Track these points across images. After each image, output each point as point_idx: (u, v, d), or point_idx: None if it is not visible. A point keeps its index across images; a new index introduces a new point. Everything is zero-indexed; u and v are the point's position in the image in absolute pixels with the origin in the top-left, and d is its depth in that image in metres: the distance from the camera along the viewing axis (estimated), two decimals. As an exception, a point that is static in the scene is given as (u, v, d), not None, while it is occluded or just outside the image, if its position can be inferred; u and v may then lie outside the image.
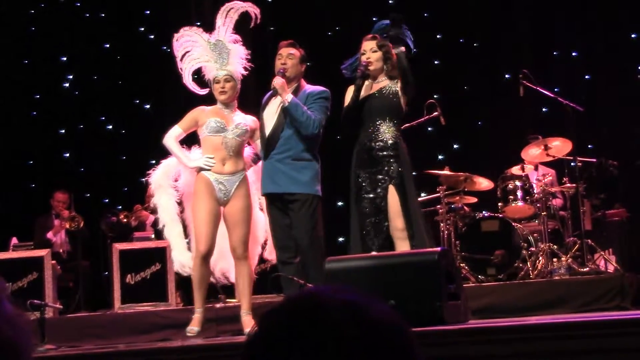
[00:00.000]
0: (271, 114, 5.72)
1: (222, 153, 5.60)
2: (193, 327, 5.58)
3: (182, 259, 5.93)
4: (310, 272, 5.50)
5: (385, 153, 5.49)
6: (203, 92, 5.85)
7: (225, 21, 5.78)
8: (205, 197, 5.57)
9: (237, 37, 5.80)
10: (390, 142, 5.50)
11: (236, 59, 5.72)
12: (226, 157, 5.60)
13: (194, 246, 5.70)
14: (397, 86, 5.58)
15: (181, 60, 5.83)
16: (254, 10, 5.88)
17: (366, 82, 5.64)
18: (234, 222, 5.57)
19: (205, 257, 5.58)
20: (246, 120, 5.71)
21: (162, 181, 5.89)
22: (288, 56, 5.74)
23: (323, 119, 5.65)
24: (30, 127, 10.48)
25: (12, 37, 10.51)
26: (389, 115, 5.54)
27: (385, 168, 5.48)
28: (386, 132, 5.52)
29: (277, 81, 5.63)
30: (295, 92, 5.69)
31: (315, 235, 5.62)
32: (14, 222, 9.52)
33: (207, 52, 5.72)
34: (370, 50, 5.61)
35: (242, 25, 10.14)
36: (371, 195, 5.50)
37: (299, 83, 5.78)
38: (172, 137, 5.68)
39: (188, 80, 5.84)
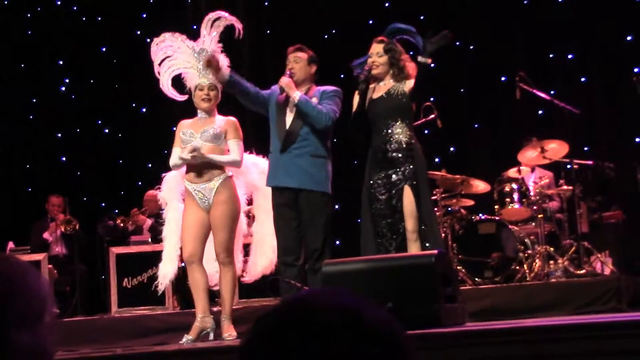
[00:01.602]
0: (290, 109, 5.74)
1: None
2: (188, 337, 5.53)
3: (165, 269, 5.93)
4: (317, 276, 5.48)
5: (400, 154, 5.49)
6: (181, 98, 5.83)
7: (210, 30, 5.75)
8: (191, 206, 5.62)
9: (220, 46, 5.75)
10: (404, 142, 5.51)
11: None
12: (200, 164, 5.57)
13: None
14: (404, 86, 5.58)
15: (160, 64, 5.81)
16: (238, 25, 5.84)
17: (373, 85, 5.65)
18: (214, 228, 5.57)
19: (192, 263, 5.58)
20: (220, 123, 5.64)
21: (169, 196, 5.93)
22: (294, 60, 5.79)
23: (335, 111, 5.69)
24: (27, 130, 10.47)
25: (9, 41, 10.50)
26: (400, 115, 5.55)
27: (401, 169, 5.48)
28: (399, 132, 5.53)
29: (283, 80, 5.69)
30: (308, 92, 5.74)
31: (329, 239, 5.66)
32: (10, 227, 9.51)
33: (190, 60, 5.70)
34: (376, 54, 5.62)
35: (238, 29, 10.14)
36: (386, 197, 5.50)
37: (311, 84, 5.82)
38: (175, 157, 5.64)
39: (167, 85, 5.81)
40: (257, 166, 5.91)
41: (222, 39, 5.80)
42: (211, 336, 5.60)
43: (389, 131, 5.53)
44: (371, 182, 5.56)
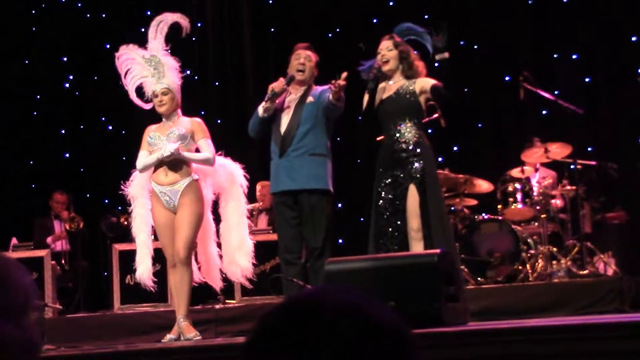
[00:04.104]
0: (285, 112, 5.76)
1: (163, 164, 5.63)
2: (171, 336, 5.59)
3: (139, 272, 5.93)
4: (318, 275, 5.47)
5: (407, 154, 5.48)
6: (148, 106, 5.91)
7: (156, 35, 5.86)
8: (157, 207, 5.67)
9: (168, 48, 5.85)
10: (412, 142, 5.48)
11: (171, 71, 5.77)
12: (167, 167, 5.62)
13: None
14: (414, 85, 5.56)
15: (125, 77, 5.91)
16: (184, 20, 5.93)
17: (382, 84, 5.64)
18: (177, 227, 5.58)
19: (174, 266, 5.63)
20: (185, 124, 5.69)
21: (136, 192, 5.93)
22: (307, 58, 5.82)
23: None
24: (31, 127, 10.48)
25: (13, 37, 10.51)
26: (408, 115, 5.53)
27: (408, 167, 5.45)
28: (407, 132, 5.51)
29: (340, 83, 5.56)
30: (307, 92, 5.77)
31: (329, 237, 5.65)
32: (14, 223, 9.52)
33: (144, 68, 5.80)
34: (386, 49, 5.62)
35: (244, 27, 10.14)
36: (391, 196, 5.49)
37: (311, 84, 5.86)
38: (141, 159, 5.72)
39: (133, 97, 5.91)
40: (224, 168, 5.90)
41: (169, 39, 5.88)
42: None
43: (397, 131, 5.52)
44: (380, 182, 5.55)
